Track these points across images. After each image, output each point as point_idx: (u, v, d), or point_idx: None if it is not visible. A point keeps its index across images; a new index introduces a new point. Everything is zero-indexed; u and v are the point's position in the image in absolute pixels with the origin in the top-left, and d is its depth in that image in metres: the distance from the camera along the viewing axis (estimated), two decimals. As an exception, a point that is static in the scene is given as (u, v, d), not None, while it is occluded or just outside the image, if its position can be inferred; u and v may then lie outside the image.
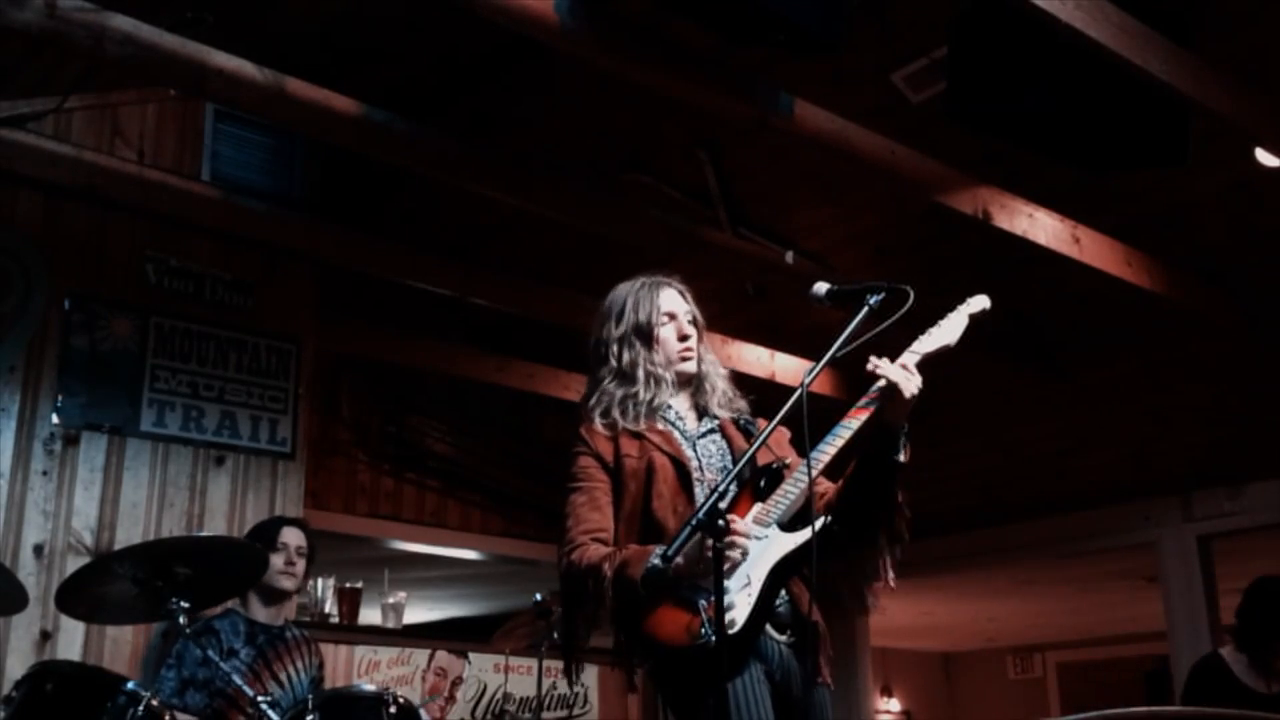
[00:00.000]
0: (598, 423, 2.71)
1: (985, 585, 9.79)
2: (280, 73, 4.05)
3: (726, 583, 2.33)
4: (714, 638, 2.25)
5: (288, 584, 4.24)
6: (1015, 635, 12.78)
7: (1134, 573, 8.65)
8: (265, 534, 4.30)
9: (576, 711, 6.57)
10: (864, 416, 2.50)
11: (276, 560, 4.19)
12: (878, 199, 5.67)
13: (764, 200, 6.00)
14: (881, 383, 2.49)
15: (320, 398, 6.38)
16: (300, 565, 4.29)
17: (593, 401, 2.76)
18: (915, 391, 2.46)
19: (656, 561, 2.34)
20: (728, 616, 2.32)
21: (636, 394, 2.71)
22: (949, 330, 2.59)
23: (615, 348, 2.76)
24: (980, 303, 2.63)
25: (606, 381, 2.76)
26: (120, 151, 5.09)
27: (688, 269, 2.99)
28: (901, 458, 2.50)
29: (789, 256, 5.59)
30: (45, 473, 4.75)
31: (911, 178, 4.53)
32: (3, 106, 4.60)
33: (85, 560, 4.41)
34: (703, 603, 2.35)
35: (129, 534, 4.82)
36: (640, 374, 2.73)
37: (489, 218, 6.18)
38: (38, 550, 4.66)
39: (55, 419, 4.80)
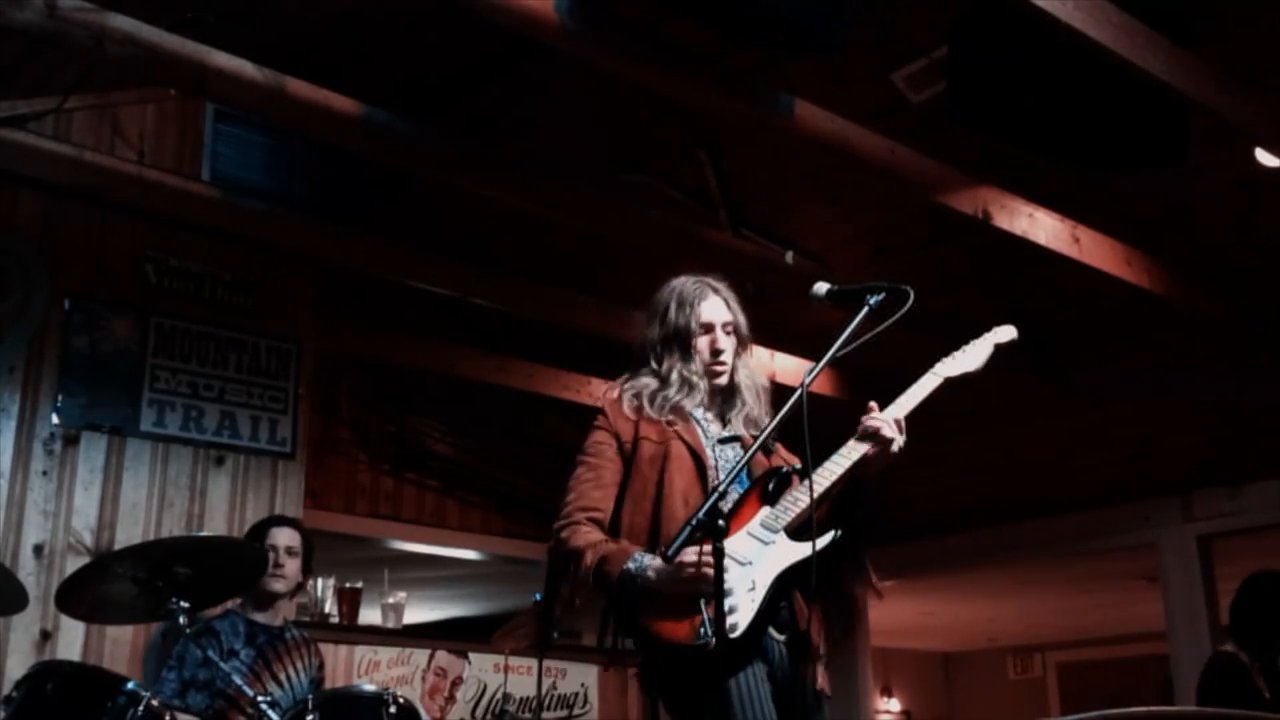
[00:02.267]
0: (625, 403, 2.75)
1: (985, 585, 9.79)
2: (280, 73, 4.05)
3: (731, 584, 2.34)
4: (714, 638, 2.26)
5: (277, 586, 4.16)
6: (1015, 635, 12.78)
7: (1134, 573, 8.66)
8: (255, 536, 4.26)
9: (576, 711, 6.56)
10: (864, 449, 2.54)
11: None
12: (878, 199, 5.67)
13: (764, 200, 5.99)
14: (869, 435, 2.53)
15: (320, 398, 6.37)
16: (291, 565, 4.21)
17: (627, 385, 2.82)
18: (900, 447, 2.51)
19: (630, 567, 2.45)
20: (731, 619, 2.33)
21: (668, 394, 2.77)
22: (974, 356, 2.65)
23: (657, 350, 2.84)
24: (1007, 333, 2.68)
25: (644, 377, 2.82)
26: (120, 151, 5.09)
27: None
28: (866, 515, 2.55)
29: (789, 256, 5.59)
30: (45, 473, 4.75)
31: (911, 178, 4.53)
32: (3, 106, 4.59)
33: (85, 560, 4.40)
34: (703, 601, 2.35)
35: (129, 534, 4.83)
36: (675, 378, 2.79)
37: (489, 218, 6.17)
38: (38, 550, 4.66)
39: (55, 419, 4.80)
